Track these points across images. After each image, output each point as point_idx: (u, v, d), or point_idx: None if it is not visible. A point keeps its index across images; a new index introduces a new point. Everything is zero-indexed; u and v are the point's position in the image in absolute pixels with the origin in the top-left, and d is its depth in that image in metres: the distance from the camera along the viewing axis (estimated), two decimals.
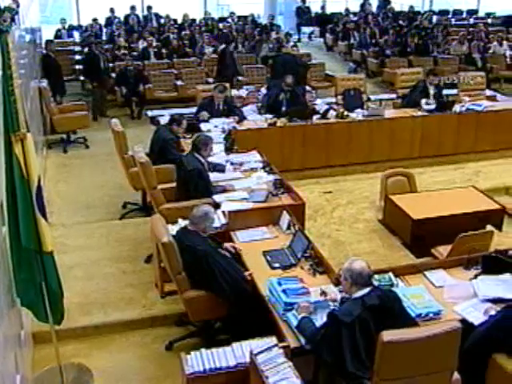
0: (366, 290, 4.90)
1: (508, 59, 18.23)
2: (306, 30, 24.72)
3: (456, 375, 4.87)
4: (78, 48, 18.24)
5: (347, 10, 23.91)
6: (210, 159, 8.16)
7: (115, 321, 6.81)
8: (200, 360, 4.96)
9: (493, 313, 5.39)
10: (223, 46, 16.47)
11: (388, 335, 4.47)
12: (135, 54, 16.49)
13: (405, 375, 4.64)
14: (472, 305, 5.64)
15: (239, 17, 22.33)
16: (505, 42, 18.88)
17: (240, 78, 15.54)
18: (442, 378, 4.80)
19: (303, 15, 24.44)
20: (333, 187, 10.25)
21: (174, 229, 6.49)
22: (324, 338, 4.86)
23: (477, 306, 5.62)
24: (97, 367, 6.11)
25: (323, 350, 4.86)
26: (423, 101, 11.55)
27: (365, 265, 5.00)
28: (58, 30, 19.86)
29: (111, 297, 7.17)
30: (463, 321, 5.28)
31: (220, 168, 8.29)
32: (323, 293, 5.54)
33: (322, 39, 23.24)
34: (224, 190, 7.71)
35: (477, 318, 5.42)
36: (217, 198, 7.54)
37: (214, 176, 8.03)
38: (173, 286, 6.22)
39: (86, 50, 16.32)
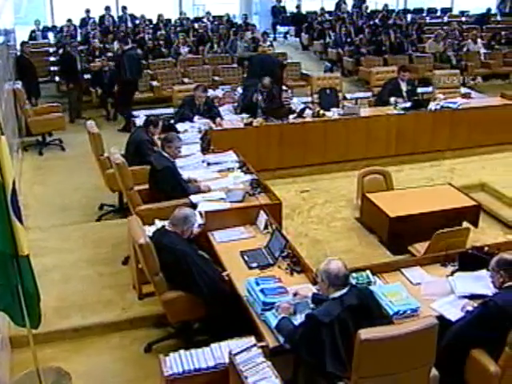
0: (344, 290, 4.89)
1: (482, 57, 18.40)
2: (282, 29, 24.73)
3: (434, 371, 4.91)
4: (52, 49, 18.13)
5: (322, 9, 23.96)
6: (187, 171, 8.17)
7: (93, 323, 6.76)
8: (179, 361, 4.94)
9: (470, 309, 5.43)
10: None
11: (365, 333, 4.47)
12: (110, 54, 16.42)
13: (383, 372, 4.66)
14: (449, 301, 5.67)
15: (214, 17, 22.30)
16: (479, 40, 19.11)
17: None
18: (420, 373, 4.82)
19: (279, 15, 24.47)
20: (310, 186, 10.27)
21: (150, 230, 6.46)
22: (302, 337, 4.86)
23: (454, 302, 5.66)
24: (75, 371, 6.07)
25: (302, 349, 4.87)
26: (392, 99, 11.62)
27: (341, 265, 4.98)
28: (33, 32, 19.77)
29: (89, 299, 7.12)
30: (440, 317, 5.31)
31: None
32: (295, 294, 5.52)
33: (297, 38, 23.26)
34: (199, 191, 7.67)
35: (454, 314, 5.45)
36: (194, 198, 7.51)
37: (190, 175, 8.06)
38: (151, 288, 6.21)
39: (61, 51, 16.21)
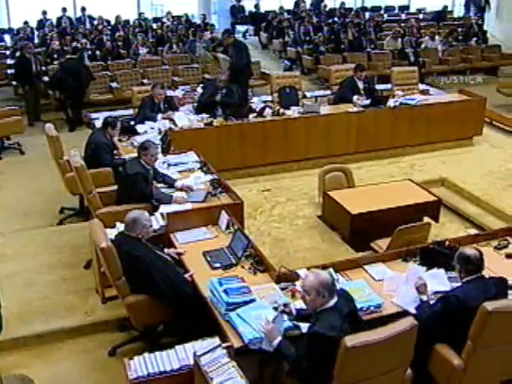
0: (335, 298, 4.82)
1: (440, 53, 18.60)
2: (241, 28, 24.72)
3: (408, 369, 4.95)
4: (9, 52, 17.90)
5: (281, 7, 24.00)
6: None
7: (57, 329, 6.71)
8: (143, 364, 4.92)
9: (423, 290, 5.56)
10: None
11: (350, 340, 4.38)
12: (68, 56, 16.20)
13: (364, 377, 4.63)
14: (407, 295, 5.72)
15: (173, 17, 22.20)
16: (437, 37, 19.26)
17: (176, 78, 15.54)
18: (398, 374, 4.85)
19: (237, 14, 24.45)
20: (271, 185, 10.30)
21: (112, 233, 6.43)
22: (311, 360, 4.68)
23: (412, 295, 5.68)
24: (40, 377, 6.03)
25: (313, 375, 4.68)
26: (355, 97, 11.67)
27: (327, 274, 4.97)
28: None
29: (52, 305, 7.07)
30: (404, 312, 5.40)
31: (169, 181, 8.05)
32: (285, 305, 5.40)
33: (256, 37, 23.29)
34: (169, 203, 7.53)
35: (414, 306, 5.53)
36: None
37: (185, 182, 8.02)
38: (114, 291, 6.17)
39: (17, 53, 16.02)
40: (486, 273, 5.37)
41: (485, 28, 22.18)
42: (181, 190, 7.78)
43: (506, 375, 5.22)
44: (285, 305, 5.29)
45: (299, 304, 5.47)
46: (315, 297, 4.75)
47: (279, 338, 4.84)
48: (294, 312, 5.33)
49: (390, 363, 4.72)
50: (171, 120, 10.41)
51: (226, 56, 13.33)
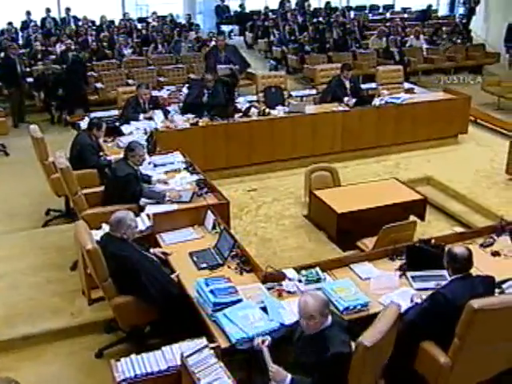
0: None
1: (425, 52, 18.66)
2: (226, 28, 24.68)
3: None
4: None
5: (266, 7, 23.99)
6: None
7: (43, 331, 6.68)
8: (130, 366, 4.89)
9: (418, 301, 5.51)
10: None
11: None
12: (53, 57, 16.19)
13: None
14: (396, 294, 5.75)
15: (158, 17, 22.15)
16: (421, 36, 19.32)
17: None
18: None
19: (222, 14, 24.42)
20: (257, 185, 10.30)
21: (98, 234, 6.39)
22: (335, 381, 4.61)
23: (401, 295, 5.73)
24: (27, 380, 5.91)
25: None
26: (346, 98, 11.67)
27: (320, 292, 4.94)
28: None
29: (38, 307, 7.03)
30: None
31: (146, 179, 8.08)
32: (263, 341, 4.98)
33: (241, 37, 23.29)
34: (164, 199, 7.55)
35: (402, 306, 5.49)
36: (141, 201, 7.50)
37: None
38: (100, 293, 6.14)
39: (1, 54, 15.93)
40: (472, 271, 5.38)
41: (470, 27, 22.24)
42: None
43: (492, 372, 5.23)
44: (262, 341, 4.99)
45: (285, 303, 5.51)
46: (320, 318, 4.64)
47: (289, 376, 4.65)
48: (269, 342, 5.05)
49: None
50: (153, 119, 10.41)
51: None
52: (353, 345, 4.63)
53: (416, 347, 5.28)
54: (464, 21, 22.71)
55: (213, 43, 17.78)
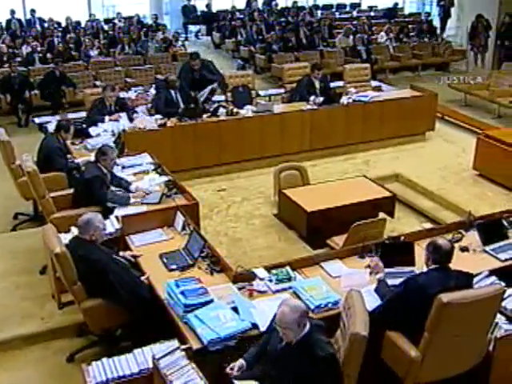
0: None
1: (391, 50, 18.78)
2: (193, 28, 24.70)
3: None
4: None
5: (233, 7, 24.01)
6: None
7: (13, 336, 6.61)
8: (102, 369, 4.87)
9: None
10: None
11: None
12: (19, 59, 16.04)
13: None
14: (367, 291, 5.77)
15: (125, 17, 22.04)
16: (383, 33, 19.46)
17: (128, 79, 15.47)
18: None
19: (189, 14, 24.40)
20: (227, 184, 10.31)
21: (67, 237, 6.35)
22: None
23: (372, 292, 5.75)
24: None
25: None
26: (312, 97, 11.67)
27: (299, 302, 4.92)
28: None
29: (7, 312, 6.95)
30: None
31: (124, 184, 7.97)
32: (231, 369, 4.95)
33: (209, 37, 23.27)
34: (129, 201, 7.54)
35: (372, 302, 5.53)
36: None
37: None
38: (70, 297, 6.10)
39: None
40: None
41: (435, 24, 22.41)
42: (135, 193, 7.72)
43: (463, 367, 5.27)
44: (231, 369, 4.94)
45: (256, 302, 5.53)
46: (296, 329, 4.59)
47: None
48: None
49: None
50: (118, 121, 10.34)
51: None
52: None
53: (382, 334, 5.32)
54: (430, 18, 22.86)
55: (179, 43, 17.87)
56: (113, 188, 7.77)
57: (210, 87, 12.80)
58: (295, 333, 4.59)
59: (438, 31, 21.79)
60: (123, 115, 10.42)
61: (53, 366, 6.30)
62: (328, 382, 4.58)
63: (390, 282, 5.87)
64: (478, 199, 9.58)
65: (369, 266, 6.02)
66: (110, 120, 10.24)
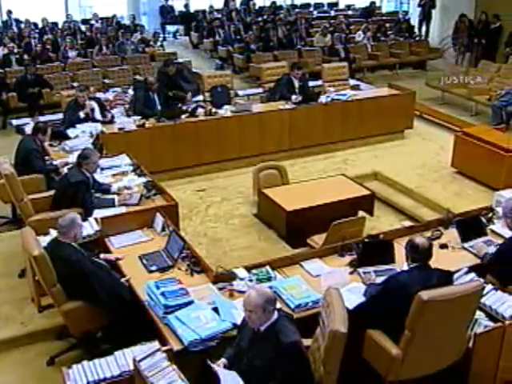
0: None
1: (369, 49, 18.84)
2: (171, 28, 24.62)
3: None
4: None
5: (211, 7, 23.96)
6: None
7: None
8: (82, 372, 4.84)
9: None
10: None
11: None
12: None
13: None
14: (348, 289, 5.80)
15: (102, 18, 21.92)
16: (361, 32, 19.51)
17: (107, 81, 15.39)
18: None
19: (167, 14, 24.34)
20: (206, 185, 10.29)
21: (46, 240, 6.32)
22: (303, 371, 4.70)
23: (352, 290, 5.79)
24: None
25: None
26: (293, 97, 11.64)
27: (268, 289, 4.88)
28: None
29: None
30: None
31: (105, 188, 7.95)
32: None
33: (187, 37, 23.20)
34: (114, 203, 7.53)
35: (353, 300, 5.57)
36: None
37: None
38: (50, 300, 6.08)
39: None
40: None
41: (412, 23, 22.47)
42: (118, 193, 7.69)
43: (443, 364, 5.30)
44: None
45: (237, 303, 5.51)
46: (261, 314, 4.63)
47: None
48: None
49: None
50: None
51: None
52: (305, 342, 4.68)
53: (363, 332, 5.36)
54: (407, 17, 22.94)
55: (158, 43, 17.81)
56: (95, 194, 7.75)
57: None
58: (260, 319, 4.65)
59: (419, 32, 21.88)
60: (95, 105, 10.36)
61: (33, 369, 6.26)
62: (292, 369, 4.59)
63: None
64: (456, 196, 9.63)
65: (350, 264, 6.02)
66: (85, 114, 10.17)
